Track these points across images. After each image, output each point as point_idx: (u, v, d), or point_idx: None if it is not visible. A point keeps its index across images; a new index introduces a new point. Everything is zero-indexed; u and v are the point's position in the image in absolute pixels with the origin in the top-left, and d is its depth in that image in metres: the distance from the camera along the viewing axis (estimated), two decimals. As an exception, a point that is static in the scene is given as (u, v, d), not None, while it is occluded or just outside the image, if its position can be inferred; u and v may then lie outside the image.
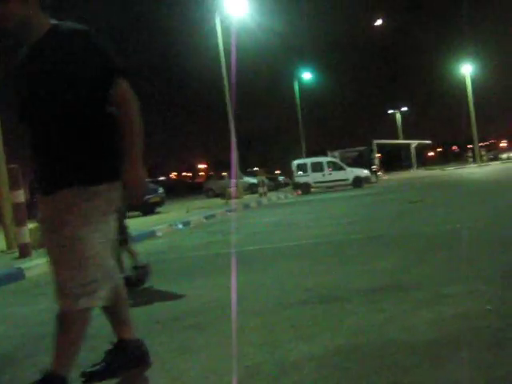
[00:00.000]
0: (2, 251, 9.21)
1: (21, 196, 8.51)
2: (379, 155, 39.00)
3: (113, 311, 2.93)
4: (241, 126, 36.81)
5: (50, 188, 2.67)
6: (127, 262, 5.57)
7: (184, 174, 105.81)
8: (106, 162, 2.68)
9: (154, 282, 5.86)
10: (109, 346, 3.00)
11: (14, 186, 8.59)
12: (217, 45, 28.28)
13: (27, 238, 8.49)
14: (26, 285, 6.68)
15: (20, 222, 8.50)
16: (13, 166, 8.73)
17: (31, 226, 9.12)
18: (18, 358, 3.57)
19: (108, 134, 2.69)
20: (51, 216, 2.68)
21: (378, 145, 40.33)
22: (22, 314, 4.89)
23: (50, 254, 2.70)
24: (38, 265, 7.46)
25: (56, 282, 2.65)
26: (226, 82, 28.24)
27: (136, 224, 14.40)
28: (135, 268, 5.64)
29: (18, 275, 7.04)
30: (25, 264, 7.49)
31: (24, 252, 8.35)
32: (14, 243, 8.92)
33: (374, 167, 34.92)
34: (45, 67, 2.59)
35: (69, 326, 2.62)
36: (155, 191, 21.18)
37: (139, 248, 9.47)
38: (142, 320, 4.21)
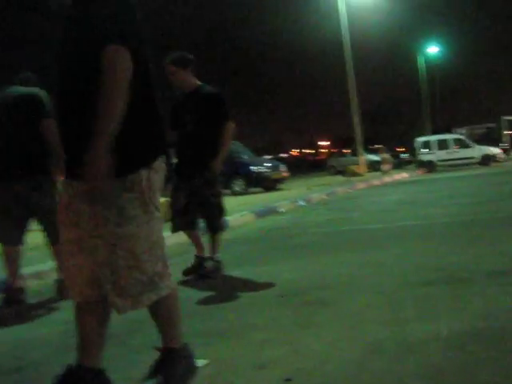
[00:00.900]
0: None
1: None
2: (510, 132, 36.87)
3: (164, 313, 2.63)
4: (364, 102, 36.21)
5: (83, 176, 2.24)
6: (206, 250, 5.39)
7: (305, 151, 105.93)
8: (142, 145, 2.39)
9: (278, 257, 5.99)
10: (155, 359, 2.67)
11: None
12: (338, 18, 27.97)
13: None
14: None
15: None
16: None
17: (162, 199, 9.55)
18: (147, 325, 3.79)
19: (140, 113, 2.37)
20: (83, 209, 2.35)
21: (509, 121, 38.22)
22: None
23: (91, 251, 2.37)
24: (168, 236, 7.77)
25: (109, 282, 2.37)
26: (347, 57, 27.89)
27: (258, 200, 14.70)
28: (209, 260, 5.27)
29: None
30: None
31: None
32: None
33: (504, 145, 33.22)
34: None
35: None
36: (277, 168, 21.44)
37: (263, 224, 9.74)
38: (265, 293, 4.34)
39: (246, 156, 21.36)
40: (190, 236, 5.44)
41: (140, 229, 2.37)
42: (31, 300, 4.88)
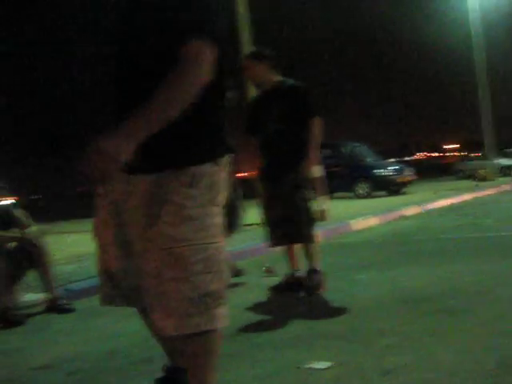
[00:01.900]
0: (258, 224, 9.84)
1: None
2: None
3: (197, 354, 2.08)
4: (496, 104, 34.49)
5: (139, 167, 1.94)
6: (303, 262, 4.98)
7: (431, 154, 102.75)
8: (209, 137, 2.07)
9: (403, 262, 5.85)
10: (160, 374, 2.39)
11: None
12: (468, 17, 26.93)
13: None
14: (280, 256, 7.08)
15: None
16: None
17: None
18: (269, 322, 3.83)
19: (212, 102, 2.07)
20: (136, 204, 2.02)
21: None
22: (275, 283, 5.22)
23: (139, 255, 2.03)
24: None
25: (153, 294, 1.98)
26: (477, 57, 26.77)
27: (382, 204, 14.43)
28: (311, 272, 4.74)
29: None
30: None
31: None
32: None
33: None
34: None
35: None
36: (402, 171, 20.94)
37: (387, 228, 9.56)
38: (389, 298, 4.25)
39: (370, 159, 21.07)
40: (287, 250, 4.95)
41: (197, 234, 1.96)
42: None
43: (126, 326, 4.11)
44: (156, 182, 1.98)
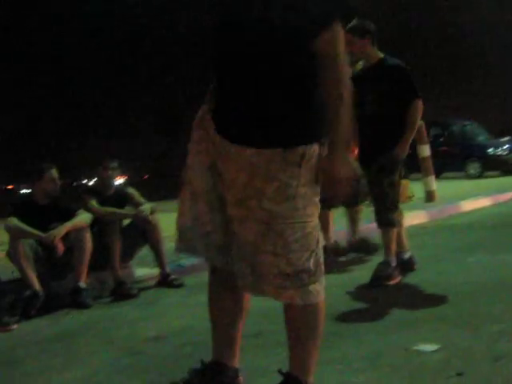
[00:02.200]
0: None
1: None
2: None
3: (299, 328, 2.21)
4: None
5: (245, 138, 2.07)
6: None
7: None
8: (317, 116, 2.11)
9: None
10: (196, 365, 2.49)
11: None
12: None
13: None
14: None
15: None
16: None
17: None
18: (378, 304, 3.80)
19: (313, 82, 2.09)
20: (237, 171, 2.09)
21: None
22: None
23: (238, 222, 2.11)
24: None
25: (249, 261, 2.09)
26: None
27: (495, 184, 13.81)
28: (383, 263, 4.47)
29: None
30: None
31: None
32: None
33: None
34: None
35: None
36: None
37: (499, 209, 9.15)
38: (500, 282, 4.09)
39: (482, 137, 20.16)
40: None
41: (297, 212, 2.04)
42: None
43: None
44: (261, 156, 2.04)
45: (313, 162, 2.06)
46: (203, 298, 4.46)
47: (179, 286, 5.03)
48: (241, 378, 2.41)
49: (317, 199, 2.11)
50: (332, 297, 4.04)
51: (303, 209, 2.05)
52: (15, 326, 4.17)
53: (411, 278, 4.48)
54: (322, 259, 2.12)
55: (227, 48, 2.14)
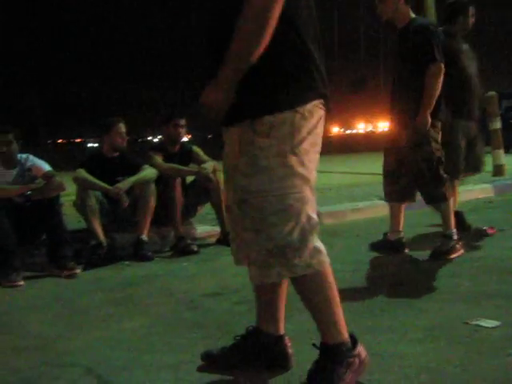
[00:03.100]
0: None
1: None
2: None
3: (310, 298, 2.15)
4: None
5: (227, 119, 2.07)
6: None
7: None
8: (285, 82, 1.99)
9: None
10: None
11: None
12: None
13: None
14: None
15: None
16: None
17: None
18: (439, 275, 3.74)
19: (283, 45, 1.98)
20: (227, 156, 2.19)
21: None
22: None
23: (232, 204, 2.13)
24: (461, 191, 7.47)
25: (241, 243, 2.13)
26: None
27: None
28: (444, 236, 4.31)
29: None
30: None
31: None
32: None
33: None
34: None
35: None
36: None
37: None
38: None
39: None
40: (391, 208, 4.60)
41: (272, 185, 1.95)
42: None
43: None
44: (236, 132, 2.05)
45: (287, 130, 1.96)
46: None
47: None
48: (286, 344, 2.38)
49: (302, 169, 1.99)
50: (392, 266, 4.06)
51: (279, 180, 1.95)
52: (78, 271, 4.33)
53: (476, 253, 4.37)
54: (312, 231, 2.01)
55: (203, 31, 2.18)
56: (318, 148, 2.08)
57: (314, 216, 2.03)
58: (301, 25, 2.01)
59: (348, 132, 78.31)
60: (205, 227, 5.57)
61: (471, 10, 4.88)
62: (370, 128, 77.52)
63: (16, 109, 49.15)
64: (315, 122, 2.03)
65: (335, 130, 78.87)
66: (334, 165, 14.16)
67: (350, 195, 7.35)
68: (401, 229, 4.55)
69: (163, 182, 5.05)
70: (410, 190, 4.44)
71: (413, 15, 4.33)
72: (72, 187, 4.90)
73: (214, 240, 5.29)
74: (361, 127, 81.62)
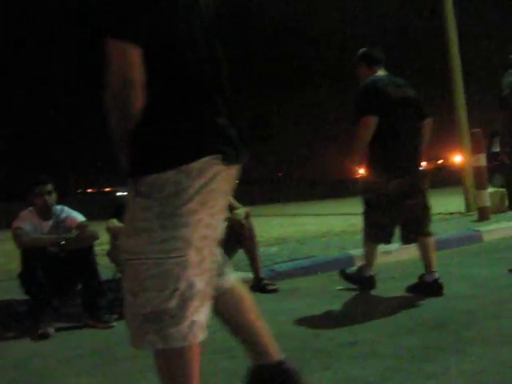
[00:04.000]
0: (462, 213, 9.48)
1: (482, 160, 8.62)
2: None
3: (239, 331, 2.20)
4: None
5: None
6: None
7: None
8: (167, 141, 1.90)
9: None
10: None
11: (475, 149, 8.74)
12: None
13: (487, 202, 8.56)
14: (483, 247, 6.75)
15: (480, 186, 8.63)
16: (476, 130, 8.87)
17: (491, 190, 9.14)
18: (480, 317, 3.66)
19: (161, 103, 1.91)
20: None
21: None
22: (482, 276, 4.96)
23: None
24: (496, 229, 7.47)
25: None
26: None
27: None
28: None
29: (476, 238, 7.15)
30: (483, 227, 7.56)
31: (483, 215, 8.45)
32: (474, 206, 9.08)
33: None
34: None
35: (160, 366, 1.95)
36: None
37: None
38: None
39: None
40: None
41: (150, 247, 1.84)
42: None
43: (329, 309, 4.20)
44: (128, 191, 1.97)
45: (171, 190, 1.84)
46: (297, 303, 4.51)
47: (273, 291, 5.03)
48: (286, 366, 2.30)
49: (186, 231, 1.85)
50: (433, 307, 3.98)
51: (159, 243, 1.84)
52: (114, 324, 4.31)
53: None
54: (194, 299, 1.87)
55: None
56: (215, 206, 1.93)
57: (199, 282, 1.89)
58: (185, 78, 1.91)
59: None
60: (238, 274, 5.54)
61: None
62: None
63: (46, 159, 50.12)
64: (206, 180, 1.88)
65: (362, 171, 78.47)
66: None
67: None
68: (434, 269, 4.47)
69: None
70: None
71: (375, 76, 4.64)
72: (104, 237, 4.92)
73: (248, 287, 5.24)
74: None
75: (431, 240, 4.58)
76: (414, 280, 4.57)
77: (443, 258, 6.03)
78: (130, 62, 1.78)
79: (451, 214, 9.66)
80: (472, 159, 8.95)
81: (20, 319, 4.53)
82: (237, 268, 5.56)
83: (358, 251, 6.15)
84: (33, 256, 4.33)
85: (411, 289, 4.54)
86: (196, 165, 1.86)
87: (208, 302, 1.94)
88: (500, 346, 3.04)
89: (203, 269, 1.91)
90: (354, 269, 5.10)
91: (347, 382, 2.67)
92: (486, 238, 7.16)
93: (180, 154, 1.87)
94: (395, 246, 6.52)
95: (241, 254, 5.36)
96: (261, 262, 5.24)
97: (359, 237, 7.26)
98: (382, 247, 6.38)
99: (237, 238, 5.18)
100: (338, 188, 29.19)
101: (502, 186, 10.40)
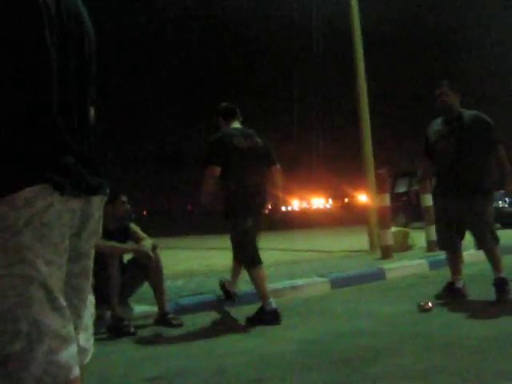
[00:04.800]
0: (366, 251, 9.71)
1: (386, 200, 8.89)
2: None
3: None
4: None
5: None
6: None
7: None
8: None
9: None
10: None
11: (380, 189, 9.01)
12: None
13: (390, 241, 8.81)
14: (386, 284, 6.91)
15: (384, 225, 8.88)
16: (381, 171, 9.17)
17: (394, 229, 9.44)
18: (384, 354, 3.71)
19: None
20: None
21: None
22: (386, 313, 5.06)
23: None
24: (398, 267, 7.68)
25: None
26: None
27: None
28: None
29: (380, 275, 7.32)
30: (386, 265, 7.76)
31: (386, 254, 8.69)
32: (377, 244, 9.32)
33: None
34: None
35: None
36: None
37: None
38: None
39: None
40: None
41: None
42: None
43: (237, 345, 4.14)
44: None
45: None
46: (202, 338, 4.43)
47: (178, 325, 4.92)
48: None
49: (22, 268, 1.66)
50: (338, 343, 4.00)
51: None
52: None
53: (416, 329, 4.37)
54: (44, 339, 1.69)
55: None
56: (54, 239, 1.73)
57: (51, 321, 1.70)
58: (29, 106, 1.72)
59: (283, 209, 79.34)
60: (142, 307, 5.39)
61: None
62: (304, 205, 78.77)
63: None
64: (38, 211, 1.68)
65: (269, 206, 79.76)
66: (270, 242, 14.19)
67: (289, 272, 7.33)
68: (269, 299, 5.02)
69: (100, 260, 4.87)
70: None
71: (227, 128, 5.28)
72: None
73: (152, 320, 5.11)
74: (295, 204, 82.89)
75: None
76: (320, 315, 4.60)
77: (347, 294, 6.16)
78: None
79: (356, 251, 9.88)
80: (377, 199, 9.22)
81: None
82: (141, 300, 5.43)
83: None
84: None
85: (251, 319, 5.00)
86: (21, 194, 1.66)
87: (73, 341, 1.75)
88: (402, 382, 3.09)
89: (55, 306, 1.72)
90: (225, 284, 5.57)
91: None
92: (389, 275, 7.34)
93: (1, 183, 1.67)
94: (302, 281, 6.59)
95: (145, 287, 5.23)
96: (166, 295, 5.11)
97: (266, 271, 7.29)
98: (290, 283, 6.43)
99: (143, 270, 5.05)
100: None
101: (404, 226, 10.74)
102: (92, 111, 2.01)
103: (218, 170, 4.99)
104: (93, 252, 1.95)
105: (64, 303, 1.74)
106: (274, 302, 4.98)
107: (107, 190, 1.91)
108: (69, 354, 1.71)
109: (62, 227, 1.74)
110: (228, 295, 5.50)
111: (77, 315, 1.89)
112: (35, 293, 1.68)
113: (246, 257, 5.21)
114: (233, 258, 5.50)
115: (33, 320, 1.67)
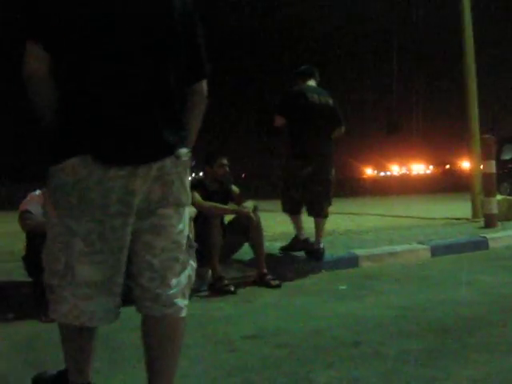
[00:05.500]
0: (468, 219, 9.43)
1: (492, 166, 8.56)
2: None
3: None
4: None
5: None
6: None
7: None
8: (52, 139, 2.11)
9: None
10: None
11: (486, 156, 8.68)
12: None
13: (494, 209, 8.51)
14: (489, 254, 6.71)
15: (489, 193, 8.57)
16: (487, 136, 8.83)
17: (499, 197, 9.09)
18: (485, 324, 3.63)
19: None
20: None
21: None
22: (488, 283, 4.93)
23: None
24: (502, 237, 7.42)
25: None
26: None
27: None
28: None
29: (482, 244, 7.11)
30: (489, 234, 7.52)
31: (489, 222, 8.40)
32: (480, 213, 9.02)
33: None
34: None
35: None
36: None
37: None
38: None
39: None
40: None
41: (48, 231, 2.12)
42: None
43: (333, 308, 4.19)
44: None
45: (55, 184, 2.07)
46: (299, 300, 4.50)
47: (276, 286, 5.01)
48: None
49: (69, 222, 2.04)
50: (438, 312, 3.96)
51: (51, 228, 2.13)
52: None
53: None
54: (75, 284, 2.06)
55: None
56: (98, 201, 2.01)
57: (85, 271, 2.06)
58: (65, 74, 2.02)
59: (382, 174, 78.01)
60: (242, 267, 5.53)
61: None
62: (404, 170, 77.08)
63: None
64: (81, 178, 1.99)
65: (369, 171, 78.69)
66: (370, 207, 14.07)
67: (387, 238, 7.26)
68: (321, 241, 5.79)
69: (202, 220, 5.03)
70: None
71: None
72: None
73: (251, 280, 5.23)
74: (395, 169, 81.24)
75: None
76: (419, 282, 4.55)
77: (448, 262, 6.04)
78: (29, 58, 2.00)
79: (457, 219, 9.61)
80: (482, 165, 8.90)
81: (24, 301, 4.52)
82: (242, 261, 5.55)
83: (363, 251, 6.15)
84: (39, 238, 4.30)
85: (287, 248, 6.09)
86: (69, 163, 1.99)
87: (107, 295, 2.11)
88: (504, 353, 3.02)
89: (94, 261, 2.04)
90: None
91: (349, 382, 2.65)
92: (492, 245, 7.12)
93: (59, 151, 2.03)
94: (401, 247, 6.52)
95: (246, 247, 5.35)
96: (265, 256, 5.21)
97: (365, 236, 7.28)
98: (389, 249, 6.39)
99: (244, 231, 5.16)
100: (343, 187, 29.08)
101: (509, 194, 10.29)
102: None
103: (283, 120, 5.70)
104: (169, 212, 2.13)
105: (112, 260, 2.07)
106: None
107: (180, 151, 2.10)
108: (96, 304, 2.10)
109: (106, 191, 2.00)
110: (310, 251, 5.87)
111: (151, 270, 2.15)
112: (76, 244, 2.03)
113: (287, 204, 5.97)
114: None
115: (69, 265, 2.04)
